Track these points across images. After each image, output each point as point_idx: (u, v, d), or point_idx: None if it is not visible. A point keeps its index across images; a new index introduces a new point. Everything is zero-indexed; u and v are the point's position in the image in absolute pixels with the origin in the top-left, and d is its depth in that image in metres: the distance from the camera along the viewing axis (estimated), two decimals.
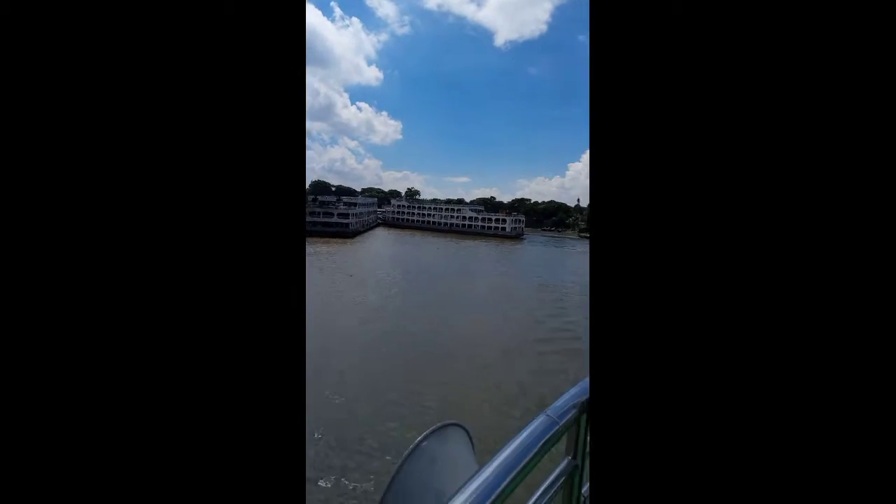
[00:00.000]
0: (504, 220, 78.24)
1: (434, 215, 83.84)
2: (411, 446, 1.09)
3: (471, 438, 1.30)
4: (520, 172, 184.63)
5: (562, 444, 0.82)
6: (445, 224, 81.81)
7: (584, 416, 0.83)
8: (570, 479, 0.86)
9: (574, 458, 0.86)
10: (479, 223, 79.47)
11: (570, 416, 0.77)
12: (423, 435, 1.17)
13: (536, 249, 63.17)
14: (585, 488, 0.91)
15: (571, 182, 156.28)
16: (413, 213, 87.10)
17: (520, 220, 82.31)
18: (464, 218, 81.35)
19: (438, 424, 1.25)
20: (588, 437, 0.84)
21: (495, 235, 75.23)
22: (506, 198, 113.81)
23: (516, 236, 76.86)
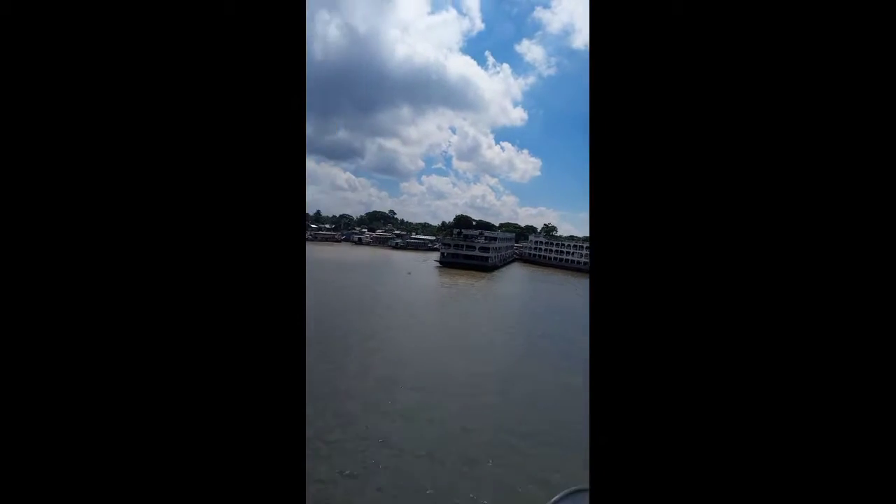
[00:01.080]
0: None
1: (573, 253, 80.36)
2: None
3: None
4: None
5: None
6: (584, 264, 77.32)
7: None
8: None
9: None
10: None
11: None
12: (553, 499, 1.14)
13: None
14: None
15: None
16: (550, 251, 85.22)
17: None
18: None
19: (570, 489, 1.20)
20: None
21: None
22: None
23: None
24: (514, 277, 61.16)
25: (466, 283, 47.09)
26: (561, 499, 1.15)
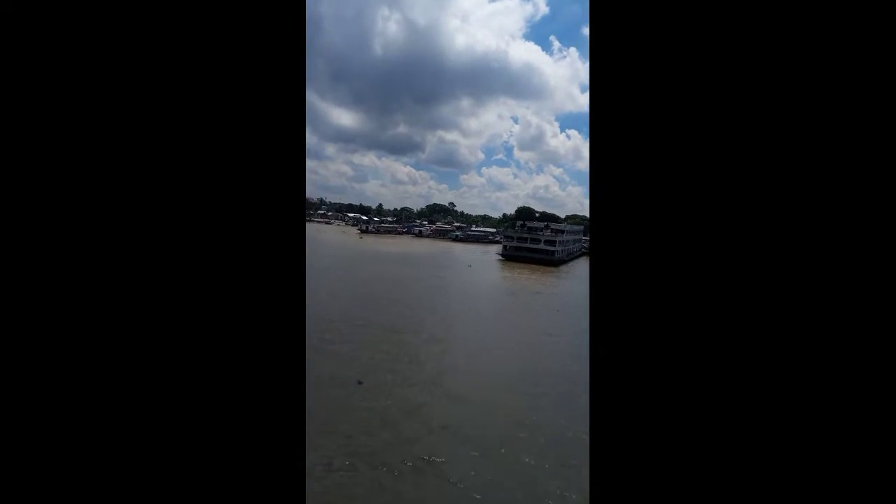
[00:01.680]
0: None
1: None
2: None
3: None
4: None
5: None
6: None
7: None
8: None
9: None
10: None
11: None
12: None
13: None
14: None
15: None
16: None
17: None
18: None
19: None
20: None
21: None
22: None
23: None
24: (583, 273, 56.05)
25: (530, 279, 43.64)
26: None
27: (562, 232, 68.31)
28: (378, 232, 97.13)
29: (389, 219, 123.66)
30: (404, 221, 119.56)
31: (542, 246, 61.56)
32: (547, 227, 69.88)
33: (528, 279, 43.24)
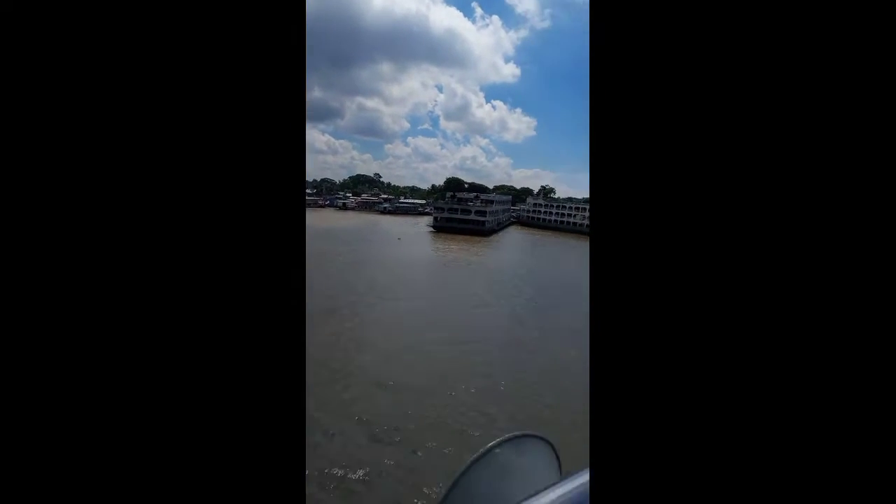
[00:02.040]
0: None
1: (575, 215, 75.36)
2: (481, 450, 0.97)
3: (557, 456, 1.09)
4: None
5: None
6: (585, 226, 72.50)
7: None
8: None
9: None
10: None
11: None
12: (496, 441, 1.01)
13: None
14: None
15: None
16: (550, 213, 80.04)
17: None
18: None
19: (516, 433, 1.05)
20: None
21: None
22: None
23: None
24: (514, 242, 56.26)
25: (461, 249, 41.81)
26: (507, 440, 1.06)
27: (491, 202, 67.71)
28: None
29: (308, 191, 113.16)
30: (325, 194, 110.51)
31: (472, 217, 60.31)
32: (477, 197, 68.66)
33: (461, 250, 41.32)
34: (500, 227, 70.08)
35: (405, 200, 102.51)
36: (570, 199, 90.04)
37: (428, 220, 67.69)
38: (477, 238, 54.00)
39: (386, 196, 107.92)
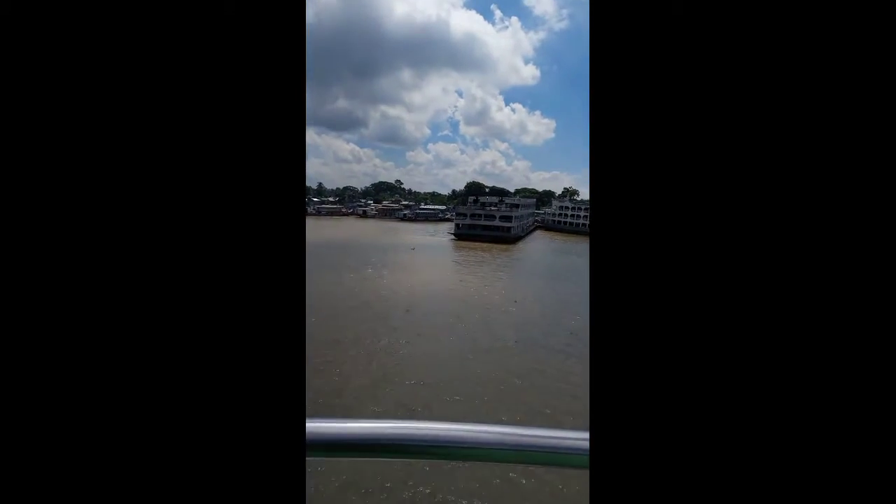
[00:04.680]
0: None
1: None
2: None
3: None
4: None
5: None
6: None
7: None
8: None
9: None
10: None
11: None
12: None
13: None
14: None
15: None
16: (578, 216, 76.44)
17: None
18: None
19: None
20: None
21: None
22: None
23: None
24: (543, 249, 53.17)
25: (493, 269, 39.22)
26: None
27: (517, 206, 64.92)
28: (319, 214, 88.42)
29: (331, 199, 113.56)
30: (348, 201, 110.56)
31: (497, 223, 57.73)
32: (501, 201, 66.07)
33: (494, 272, 38.75)
34: (525, 232, 67.17)
35: (425, 206, 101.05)
36: None
37: (448, 226, 65.64)
38: (502, 246, 51.46)
39: (406, 202, 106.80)
